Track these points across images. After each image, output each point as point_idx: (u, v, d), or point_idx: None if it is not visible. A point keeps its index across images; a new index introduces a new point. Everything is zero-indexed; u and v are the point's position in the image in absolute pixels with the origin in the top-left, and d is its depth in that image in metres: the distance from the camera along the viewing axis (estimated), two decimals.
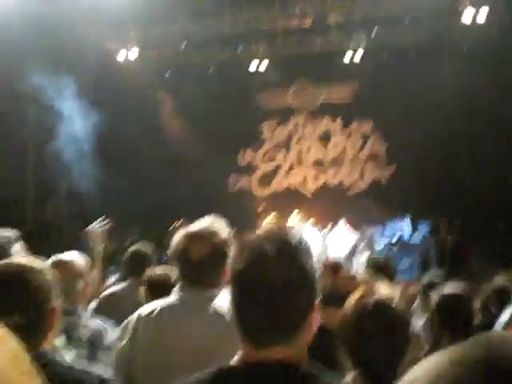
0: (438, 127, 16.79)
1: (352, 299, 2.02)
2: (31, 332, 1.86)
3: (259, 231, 1.62)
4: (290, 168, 19.90)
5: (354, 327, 1.56)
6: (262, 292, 1.44)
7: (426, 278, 5.95)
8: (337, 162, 19.43)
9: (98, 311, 4.14)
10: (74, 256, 3.20)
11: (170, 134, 19.34)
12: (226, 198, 19.03)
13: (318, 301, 1.55)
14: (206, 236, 2.36)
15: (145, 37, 18.35)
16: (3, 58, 14.71)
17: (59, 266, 3.02)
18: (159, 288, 3.99)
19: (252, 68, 19.21)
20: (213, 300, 2.28)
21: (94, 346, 2.84)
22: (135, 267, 4.57)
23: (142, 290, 4.22)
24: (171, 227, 15.95)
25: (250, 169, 20.23)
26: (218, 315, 2.21)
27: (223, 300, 2.25)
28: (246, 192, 20.07)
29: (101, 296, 4.51)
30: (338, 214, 16.76)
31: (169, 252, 2.50)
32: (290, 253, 1.50)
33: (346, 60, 18.28)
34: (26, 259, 2.05)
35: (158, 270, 4.15)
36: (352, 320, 1.53)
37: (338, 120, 19.33)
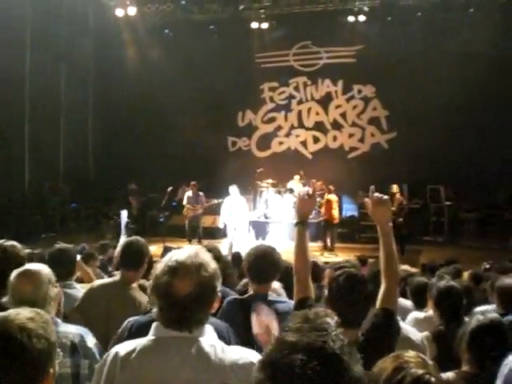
0: (441, 97, 16.43)
1: (383, 371, 1.76)
2: None
3: (287, 333, 1.32)
4: (291, 130, 19.65)
5: None
6: None
7: None
8: (337, 124, 19.19)
9: (83, 305, 4.02)
10: (40, 266, 3.05)
11: (168, 93, 19.00)
12: (225, 158, 18.90)
13: None
14: (192, 269, 2.03)
15: None
16: None
17: (28, 275, 2.89)
18: None
19: (253, 26, 18.84)
20: (198, 340, 2.04)
21: (77, 350, 2.76)
22: (130, 261, 4.18)
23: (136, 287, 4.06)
24: (169, 188, 15.92)
25: (249, 129, 19.99)
26: (203, 358, 1.99)
27: (210, 336, 2.07)
28: (245, 152, 19.90)
29: (88, 288, 4.25)
30: (337, 176, 16.62)
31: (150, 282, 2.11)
32: (329, 368, 1.25)
33: (351, 20, 17.89)
34: (26, 313, 1.81)
35: None
36: None
37: (340, 82, 19.01)
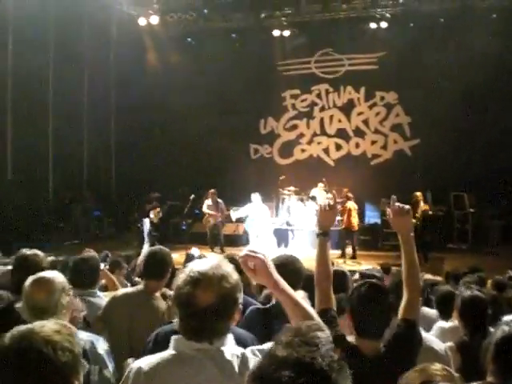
0: (464, 103, 16.26)
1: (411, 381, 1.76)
2: None
3: (278, 347, 1.32)
4: (313, 137, 19.61)
5: None
6: None
7: None
8: (360, 131, 19.11)
9: (106, 314, 4.06)
10: (54, 273, 3.10)
11: (191, 101, 19.08)
12: (247, 165, 18.91)
13: None
14: (214, 280, 2.02)
15: (167, 2, 18.08)
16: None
17: (41, 283, 2.94)
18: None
19: (275, 34, 18.86)
20: (219, 351, 2.03)
21: (87, 356, 2.73)
22: (153, 270, 4.15)
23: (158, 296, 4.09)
24: (192, 196, 15.97)
25: (271, 137, 20.00)
26: (226, 371, 1.98)
27: (231, 346, 2.06)
28: (267, 160, 19.90)
29: (111, 296, 4.27)
30: (360, 183, 16.51)
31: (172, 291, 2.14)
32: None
33: (373, 26, 17.82)
34: (52, 326, 1.81)
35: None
36: None
37: (362, 89, 18.94)
